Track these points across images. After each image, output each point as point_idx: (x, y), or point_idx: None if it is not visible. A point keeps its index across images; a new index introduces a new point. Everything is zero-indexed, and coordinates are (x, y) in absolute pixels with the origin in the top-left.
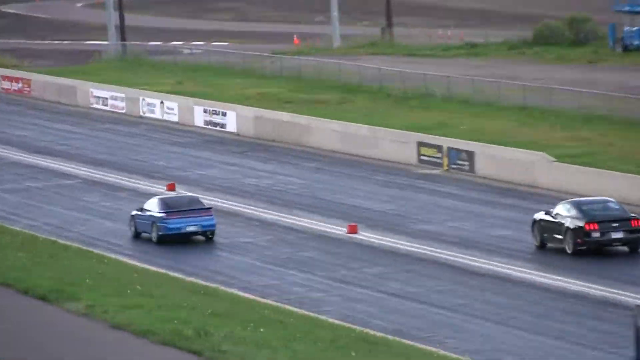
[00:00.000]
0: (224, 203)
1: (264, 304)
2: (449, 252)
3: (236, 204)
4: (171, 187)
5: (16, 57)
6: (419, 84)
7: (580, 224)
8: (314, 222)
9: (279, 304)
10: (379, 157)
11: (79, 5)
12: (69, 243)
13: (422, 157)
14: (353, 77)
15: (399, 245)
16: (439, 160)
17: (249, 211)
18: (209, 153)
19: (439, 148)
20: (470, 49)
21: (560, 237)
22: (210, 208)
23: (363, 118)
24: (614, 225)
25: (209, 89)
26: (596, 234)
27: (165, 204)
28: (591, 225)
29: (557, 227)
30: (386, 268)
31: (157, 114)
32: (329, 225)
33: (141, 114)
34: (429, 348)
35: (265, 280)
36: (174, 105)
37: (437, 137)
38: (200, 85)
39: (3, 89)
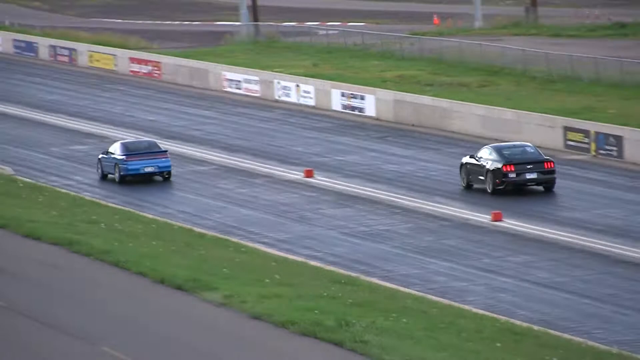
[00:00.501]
0: (364, 190)
1: (405, 294)
2: (596, 241)
3: (377, 190)
4: (309, 174)
5: (145, 38)
6: (564, 66)
7: (499, 165)
8: (456, 209)
9: (421, 294)
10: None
11: None
12: (204, 231)
13: (569, 142)
14: (496, 58)
15: (544, 234)
16: (586, 146)
17: (389, 198)
18: (347, 138)
19: (586, 133)
20: (619, 29)
21: (482, 178)
22: (166, 151)
23: (506, 102)
24: (529, 167)
25: (346, 72)
26: (512, 175)
27: (126, 147)
28: (508, 167)
29: (480, 169)
30: (531, 257)
31: (293, 98)
32: (472, 213)
33: (276, 97)
34: (576, 339)
35: (407, 269)
36: (310, 88)
37: (584, 121)
38: (337, 68)
39: (132, 72)
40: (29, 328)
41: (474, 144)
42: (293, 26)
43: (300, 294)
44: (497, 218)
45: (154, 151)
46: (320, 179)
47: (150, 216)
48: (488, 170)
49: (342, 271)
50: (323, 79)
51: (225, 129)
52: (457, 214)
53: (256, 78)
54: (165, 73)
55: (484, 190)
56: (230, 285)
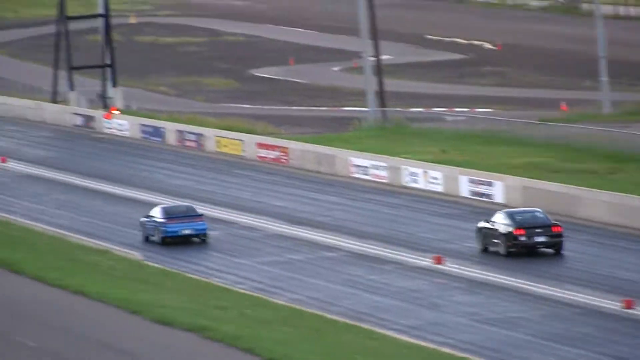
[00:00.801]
0: (494, 277)
1: None
2: None
3: (507, 278)
4: (439, 260)
5: (272, 124)
6: None
7: (511, 229)
8: (587, 296)
9: None
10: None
11: (336, 69)
12: (335, 317)
13: None
14: (625, 145)
15: None
16: None
17: (520, 285)
18: (475, 225)
19: None
20: None
21: (496, 241)
22: (202, 215)
23: (636, 189)
24: (538, 230)
25: (474, 158)
26: (523, 238)
27: (166, 212)
28: (519, 230)
29: (494, 232)
30: None
31: (421, 184)
32: (603, 300)
33: (403, 183)
34: None
35: (540, 357)
36: (438, 174)
37: None
38: (465, 154)
39: (259, 157)
40: None
41: (601, 230)
42: (420, 112)
43: None
44: (628, 306)
45: (191, 215)
46: (450, 266)
47: (281, 302)
48: (501, 233)
49: (474, 358)
50: (451, 165)
51: (353, 215)
52: (588, 301)
53: (384, 164)
54: (293, 159)
55: (612, 276)
56: None
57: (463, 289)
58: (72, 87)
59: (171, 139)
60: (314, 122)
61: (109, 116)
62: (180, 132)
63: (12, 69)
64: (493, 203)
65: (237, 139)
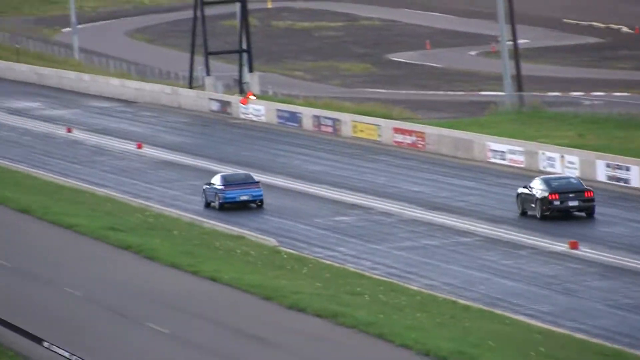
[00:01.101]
0: (630, 262)
1: None
2: None
3: None
4: (574, 245)
5: (409, 108)
6: None
7: (546, 194)
8: None
9: None
10: None
11: (472, 53)
12: (469, 303)
13: None
14: None
15: None
16: None
17: None
18: (612, 210)
19: None
20: None
21: (533, 205)
22: (258, 182)
23: None
24: (571, 195)
25: (611, 142)
26: (557, 202)
27: (225, 179)
28: (554, 195)
29: (531, 197)
30: None
31: (557, 169)
32: None
33: (540, 168)
34: None
35: None
36: (575, 159)
37: None
38: (602, 138)
39: (395, 142)
40: None
41: None
42: (557, 96)
43: None
44: None
45: (248, 182)
46: (585, 251)
47: (415, 288)
48: (537, 198)
49: (607, 344)
50: (588, 149)
51: (489, 199)
52: None
53: (521, 149)
54: (429, 143)
55: None
56: (496, 358)
57: (598, 274)
58: (208, 72)
59: (307, 124)
60: (451, 106)
61: (245, 101)
62: (316, 117)
63: (148, 54)
64: (630, 188)
65: (373, 124)
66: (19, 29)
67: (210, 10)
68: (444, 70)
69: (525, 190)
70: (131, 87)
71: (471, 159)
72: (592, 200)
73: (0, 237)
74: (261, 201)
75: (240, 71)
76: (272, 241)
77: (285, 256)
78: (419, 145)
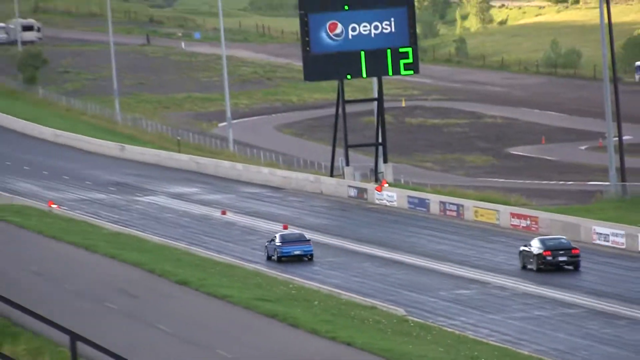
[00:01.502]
0: None
1: None
2: None
3: None
4: None
5: (524, 196)
6: None
7: (541, 251)
8: None
9: None
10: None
11: (582, 148)
12: None
13: None
14: None
15: None
16: None
17: None
18: None
19: None
20: None
21: (531, 260)
22: (309, 240)
23: None
24: (561, 252)
25: None
26: (549, 257)
27: (282, 237)
28: (547, 252)
29: (530, 254)
30: None
31: None
32: None
33: (639, 249)
34: None
35: None
36: None
37: None
38: None
39: (512, 225)
40: None
41: None
42: None
43: None
44: None
45: (301, 240)
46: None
47: (526, 353)
48: (534, 254)
49: None
50: None
51: (592, 276)
52: None
53: (622, 232)
54: (542, 226)
55: None
56: None
57: None
58: (347, 162)
59: (435, 209)
60: (562, 194)
61: (379, 189)
62: (442, 202)
63: (295, 146)
64: None
65: (492, 209)
66: (181, 123)
67: (350, 108)
68: (557, 163)
69: (526, 248)
70: (279, 175)
71: (578, 240)
72: (578, 256)
73: (161, 306)
74: (311, 255)
75: (376, 162)
76: (400, 311)
77: (412, 324)
78: (533, 228)
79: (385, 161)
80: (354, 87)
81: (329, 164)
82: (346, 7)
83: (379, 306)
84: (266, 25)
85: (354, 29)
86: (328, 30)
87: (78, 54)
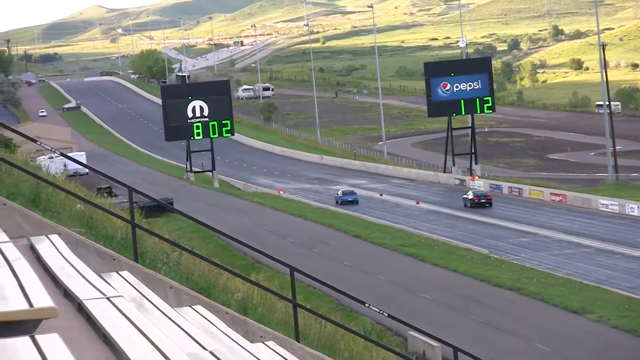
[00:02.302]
0: None
1: None
2: None
3: None
4: None
5: (558, 182)
6: None
7: (472, 197)
8: None
9: None
10: None
11: (592, 153)
12: None
13: None
14: None
15: None
16: None
17: None
18: None
19: None
20: None
21: (468, 202)
22: (356, 193)
23: None
24: (482, 197)
25: None
26: (476, 200)
27: (343, 192)
28: (475, 197)
29: (467, 199)
30: None
31: None
32: None
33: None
34: None
35: None
36: None
37: None
38: None
39: (551, 200)
40: None
41: None
42: None
43: None
44: None
45: (352, 193)
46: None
47: (560, 274)
48: (469, 199)
49: None
50: None
51: (599, 229)
52: None
53: (616, 203)
54: (569, 200)
55: None
56: None
57: None
58: (454, 164)
59: (506, 191)
60: (580, 181)
61: (473, 179)
62: (510, 187)
63: (423, 155)
64: None
65: (539, 190)
66: (356, 142)
67: (455, 132)
68: (577, 163)
69: (465, 196)
70: (414, 172)
71: (589, 208)
72: (491, 199)
73: (344, 250)
74: (357, 201)
75: (471, 163)
76: (485, 251)
77: (492, 259)
78: (563, 201)
79: (476, 163)
80: (457, 120)
81: (442, 165)
82: (452, 74)
83: (473, 249)
84: (406, 85)
85: (457, 87)
86: (442, 87)
87: (295, 104)
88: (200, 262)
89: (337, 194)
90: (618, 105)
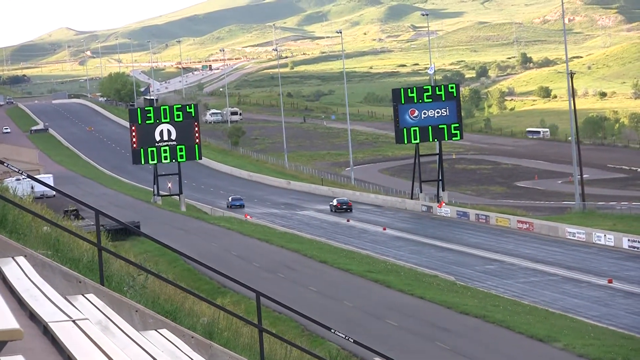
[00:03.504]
0: None
1: None
2: None
3: None
4: None
5: (525, 210)
6: None
7: (336, 204)
8: None
9: None
10: None
11: (559, 182)
12: None
13: None
14: None
15: None
16: None
17: None
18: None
19: None
20: None
21: (333, 208)
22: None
23: None
24: (344, 205)
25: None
26: (339, 207)
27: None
28: (338, 204)
29: (332, 206)
30: None
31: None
32: None
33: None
34: None
35: None
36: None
37: None
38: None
39: (518, 227)
40: None
41: None
42: None
43: None
44: None
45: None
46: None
47: (526, 302)
48: (334, 205)
49: None
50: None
51: (564, 257)
52: None
53: (583, 231)
54: (535, 228)
55: None
56: None
57: None
58: (421, 190)
59: (473, 217)
60: (547, 209)
61: (440, 206)
62: (477, 214)
63: (390, 181)
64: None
65: (506, 218)
66: (323, 168)
67: (422, 159)
68: (544, 191)
69: (331, 203)
70: (380, 198)
71: (556, 236)
72: (351, 206)
73: (310, 276)
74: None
75: (438, 190)
76: (451, 278)
77: (459, 286)
78: (530, 229)
79: (443, 190)
80: (424, 146)
81: (409, 192)
82: (420, 101)
83: (440, 275)
84: (373, 111)
85: (424, 113)
86: (410, 114)
87: (263, 128)
88: (167, 286)
89: (228, 200)
90: (547, 131)
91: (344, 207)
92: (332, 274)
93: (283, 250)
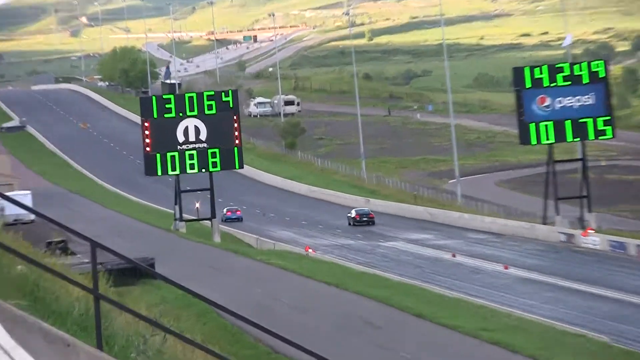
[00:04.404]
0: None
1: None
2: None
3: None
4: None
5: None
6: None
7: (354, 215)
8: None
9: None
10: None
11: None
12: None
13: None
14: None
15: None
16: None
17: None
18: None
19: None
20: None
21: (351, 220)
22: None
23: None
24: (364, 216)
25: None
26: (358, 218)
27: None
28: (357, 215)
29: (350, 217)
30: None
31: None
32: None
33: None
34: None
35: None
36: None
37: None
38: None
39: None
40: None
41: None
42: None
43: None
44: None
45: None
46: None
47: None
48: (352, 217)
49: None
50: None
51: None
52: None
53: None
54: None
55: None
56: None
57: None
58: (557, 212)
59: (632, 250)
60: None
61: (585, 234)
62: (638, 246)
63: (512, 199)
64: None
65: None
66: (416, 180)
67: (558, 167)
68: None
69: (349, 214)
70: (499, 224)
71: None
72: (373, 218)
73: (401, 335)
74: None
75: (582, 211)
76: (605, 338)
77: (616, 351)
78: None
79: (589, 211)
80: (560, 149)
81: (541, 214)
82: (553, 85)
83: (588, 334)
84: (486, 99)
85: (560, 102)
86: (538, 103)
87: (330, 124)
88: (193, 351)
89: (223, 212)
90: None
91: (365, 219)
92: (431, 332)
93: (361, 299)
